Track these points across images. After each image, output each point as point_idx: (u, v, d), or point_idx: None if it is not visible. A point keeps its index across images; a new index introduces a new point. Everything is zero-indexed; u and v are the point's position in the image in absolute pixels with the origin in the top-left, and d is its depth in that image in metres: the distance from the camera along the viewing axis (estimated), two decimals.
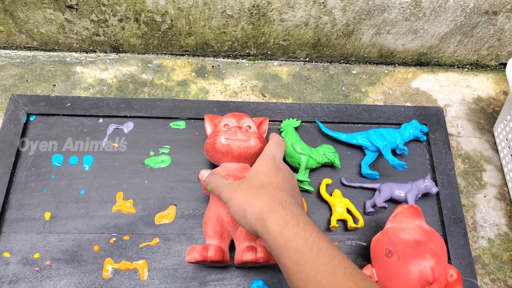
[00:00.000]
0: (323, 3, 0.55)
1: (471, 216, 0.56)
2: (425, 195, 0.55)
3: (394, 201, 0.54)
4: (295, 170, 0.54)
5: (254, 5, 0.55)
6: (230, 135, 0.49)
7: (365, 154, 0.57)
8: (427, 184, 0.54)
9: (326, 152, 0.54)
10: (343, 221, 0.53)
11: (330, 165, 0.56)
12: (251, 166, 0.47)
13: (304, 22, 0.59)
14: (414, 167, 0.58)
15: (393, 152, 0.57)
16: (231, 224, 0.47)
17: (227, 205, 0.40)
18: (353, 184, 0.55)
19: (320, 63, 0.67)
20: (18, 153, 0.55)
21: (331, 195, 0.54)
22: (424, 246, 0.44)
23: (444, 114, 0.63)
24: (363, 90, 0.65)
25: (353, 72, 0.67)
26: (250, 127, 0.51)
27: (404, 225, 0.47)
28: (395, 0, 0.55)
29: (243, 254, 0.44)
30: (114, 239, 0.51)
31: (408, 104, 0.64)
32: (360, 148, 0.58)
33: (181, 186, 0.54)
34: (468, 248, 0.52)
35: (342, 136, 0.57)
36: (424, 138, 0.59)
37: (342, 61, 0.67)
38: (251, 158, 0.50)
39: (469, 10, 0.56)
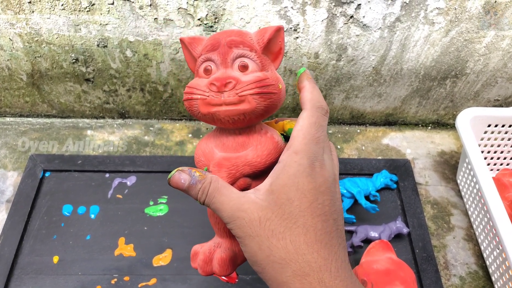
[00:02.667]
0: None
1: (443, 256, 0.62)
2: (399, 236, 0.61)
3: (369, 241, 0.60)
4: None
5: None
6: (211, 98, 0.30)
7: (342, 201, 0.64)
8: (398, 225, 0.60)
9: None
10: None
11: None
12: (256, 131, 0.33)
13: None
14: (387, 211, 0.64)
15: (368, 198, 0.64)
16: None
17: (239, 241, 0.28)
18: None
19: None
20: (33, 204, 0.61)
21: None
22: (393, 274, 0.50)
23: (412, 166, 0.71)
24: (339, 146, 0.74)
25: (330, 131, 0.76)
26: (246, 66, 0.31)
27: (376, 257, 0.53)
28: (359, 69, 0.66)
29: None
30: (115, 279, 0.56)
31: (380, 157, 0.72)
32: None
33: (177, 232, 0.60)
34: (440, 284, 0.57)
35: None
36: (394, 186, 0.66)
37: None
38: (255, 121, 0.32)
39: (421, 76, 0.67)
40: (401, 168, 0.69)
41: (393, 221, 0.61)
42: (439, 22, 0.58)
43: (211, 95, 0.29)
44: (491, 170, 0.69)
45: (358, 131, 0.77)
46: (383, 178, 0.65)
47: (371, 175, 0.67)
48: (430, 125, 0.78)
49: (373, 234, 0.60)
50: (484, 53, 0.63)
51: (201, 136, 0.74)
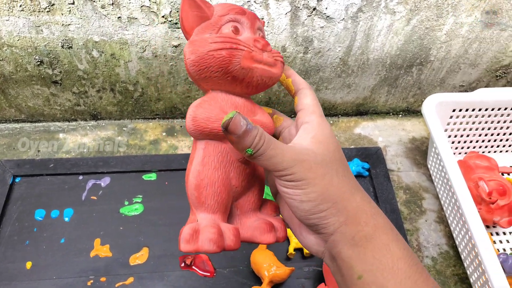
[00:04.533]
0: None
1: (416, 239, 0.63)
2: None
3: None
4: None
5: None
6: (255, 54, 0.31)
7: None
8: None
9: None
10: (300, 250, 0.59)
11: None
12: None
13: None
14: None
15: None
16: (239, 189, 0.32)
17: (293, 186, 0.28)
18: None
19: None
20: (3, 211, 0.60)
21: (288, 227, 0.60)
22: None
23: (384, 153, 0.73)
24: None
25: None
26: (264, 38, 0.34)
27: None
28: (326, 61, 0.67)
29: (261, 234, 0.32)
30: (92, 281, 0.55)
31: (352, 147, 0.73)
32: None
33: (153, 230, 0.60)
34: None
35: None
36: (367, 173, 0.68)
37: (293, 115, 0.77)
38: (266, 88, 0.33)
39: (388, 65, 0.68)
40: (373, 156, 0.70)
41: None
42: (399, 11, 0.60)
43: (256, 51, 0.31)
44: (460, 153, 0.71)
45: (331, 122, 0.78)
46: (354, 166, 0.67)
47: None
48: (401, 113, 0.80)
49: None
50: (445, 40, 0.65)
51: (175, 134, 0.74)
